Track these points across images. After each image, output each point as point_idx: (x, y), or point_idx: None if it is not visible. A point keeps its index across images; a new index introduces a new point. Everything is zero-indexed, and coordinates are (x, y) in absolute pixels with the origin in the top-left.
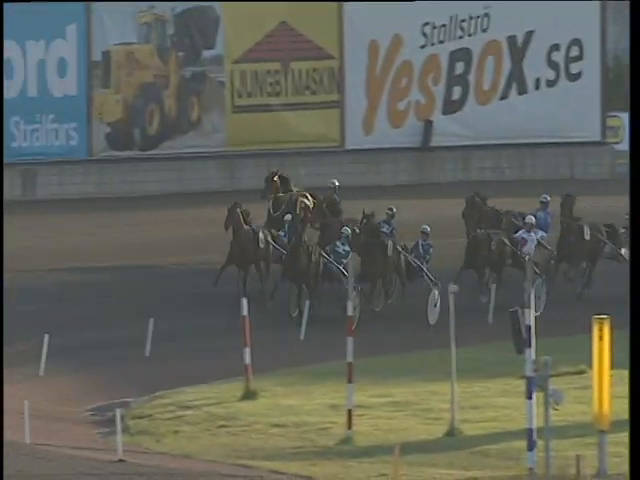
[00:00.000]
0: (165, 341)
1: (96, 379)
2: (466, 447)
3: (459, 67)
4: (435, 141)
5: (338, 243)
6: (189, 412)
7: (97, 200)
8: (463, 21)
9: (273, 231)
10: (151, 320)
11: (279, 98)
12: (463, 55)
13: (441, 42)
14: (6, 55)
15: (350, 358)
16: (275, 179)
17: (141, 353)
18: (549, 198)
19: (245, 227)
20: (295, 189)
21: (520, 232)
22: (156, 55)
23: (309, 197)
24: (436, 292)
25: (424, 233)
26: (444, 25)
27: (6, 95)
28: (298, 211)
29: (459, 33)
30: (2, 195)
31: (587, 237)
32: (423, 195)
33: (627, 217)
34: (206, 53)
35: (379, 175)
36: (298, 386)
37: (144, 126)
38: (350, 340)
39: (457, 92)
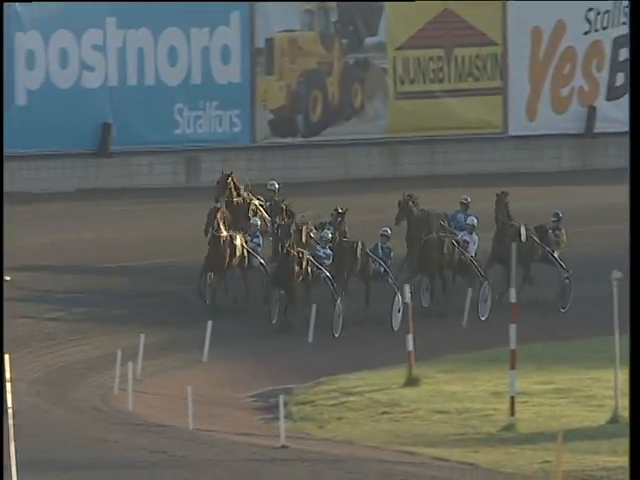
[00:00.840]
0: (327, 328)
1: (258, 365)
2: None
3: (622, 53)
4: (598, 127)
5: (319, 247)
6: (352, 398)
7: (260, 187)
8: (627, 7)
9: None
10: (313, 306)
11: (442, 85)
12: (627, 41)
13: (604, 28)
14: (172, 42)
15: (513, 345)
16: (228, 181)
17: (304, 339)
18: (469, 199)
19: (224, 233)
20: (246, 193)
21: (461, 234)
22: (319, 42)
23: (261, 200)
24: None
25: (384, 236)
26: (608, 11)
27: (170, 82)
28: (281, 217)
29: (623, 19)
30: (2, 190)
31: (523, 238)
32: (586, 182)
33: (554, 219)
34: (369, 40)
35: (542, 161)
36: (460, 373)
37: (307, 113)
38: (513, 327)
39: (621, 78)
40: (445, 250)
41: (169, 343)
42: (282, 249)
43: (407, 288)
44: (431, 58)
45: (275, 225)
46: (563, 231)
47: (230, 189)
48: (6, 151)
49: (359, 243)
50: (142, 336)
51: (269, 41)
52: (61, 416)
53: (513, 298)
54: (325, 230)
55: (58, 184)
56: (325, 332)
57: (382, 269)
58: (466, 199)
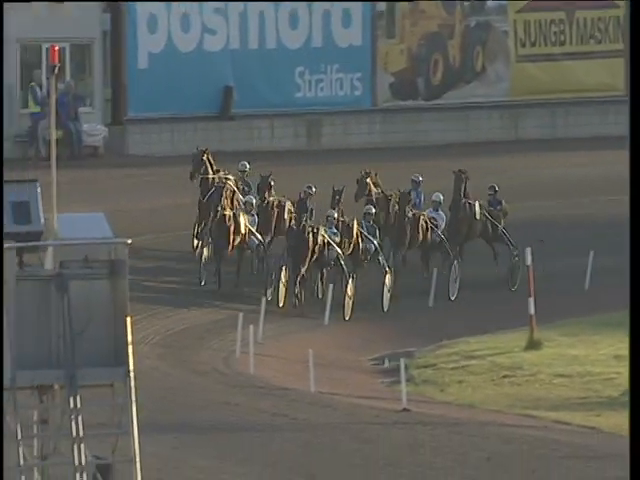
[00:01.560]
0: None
1: (379, 328)
2: None
3: None
4: None
5: (325, 229)
6: (473, 362)
7: (381, 150)
8: None
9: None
10: (434, 270)
11: (563, 47)
12: None
13: None
14: (293, 6)
15: None
16: (204, 158)
17: (425, 303)
18: (421, 178)
19: (228, 210)
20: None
21: (428, 211)
22: (441, 5)
23: (232, 179)
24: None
25: (368, 214)
26: None
27: (291, 45)
28: (269, 193)
29: None
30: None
31: (478, 217)
32: None
33: (490, 193)
34: (490, 3)
35: None
36: (583, 336)
37: (428, 76)
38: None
39: None
40: (421, 228)
41: (289, 306)
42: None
43: (528, 251)
44: (552, 21)
45: (265, 202)
46: (504, 204)
47: (205, 165)
48: (128, 114)
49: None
50: (263, 300)
51: (390, 4)
52: (182, 379)
53: None
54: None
55: (180, 147)
56: (440, 297)
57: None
58: (417, 177)
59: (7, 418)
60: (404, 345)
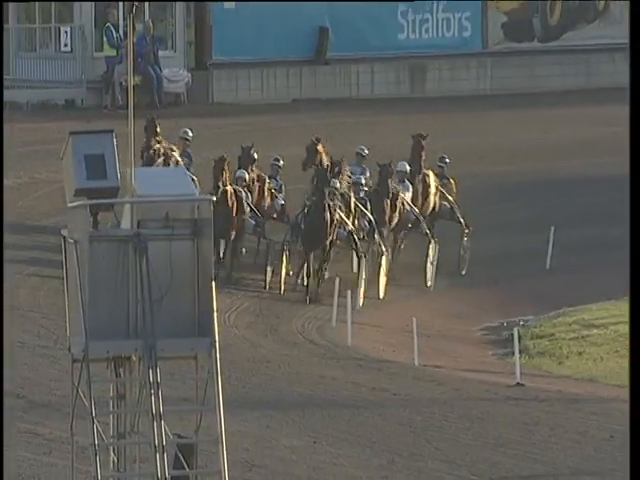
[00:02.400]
0: (566, 253)
1: (490, 294)
2: None
3: None
4: None
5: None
6: (595, 331)
7: (492, 97)
8: None
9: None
10: (551, 229)
11: None
12: None
13: None
14: None
15: None
16: (153, 124)
17: (541, 266)
18: (366, 151)
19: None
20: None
21: (394, 184)
22: None
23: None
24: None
25: (440, 163)
26: None
27: None
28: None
29: None
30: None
31: (433, 190)
32: None
33: (440, 164)
34: None
35: None
36: None
37: (545, 15)
38: None
39: None
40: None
41: (390, 272)
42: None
43: None
44: None
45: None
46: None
47: (155, 133)
48: (213, 58)
49: None
50: (363, 261)
51: None
52: (273, 350)
53: None
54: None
55: (270, 94)
56: (559, 258)
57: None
58: (362, 149)
59: (81, 393)
60: (518, 313)
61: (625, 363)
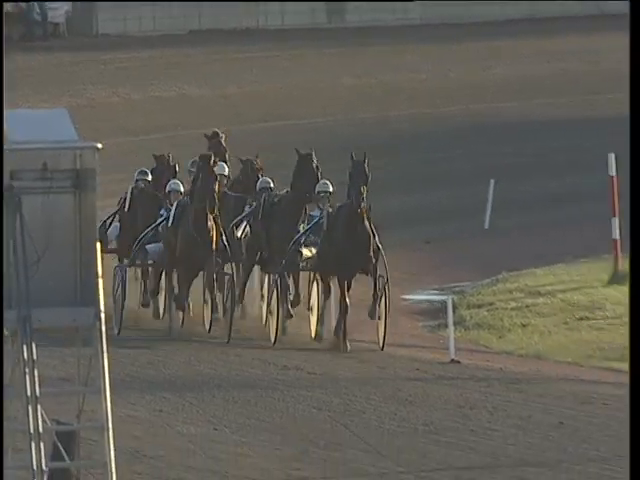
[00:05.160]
0: (508, 210)
1: (420, 257)
2: None
3: None
4: None
5: None
6: (540, 300)
7: (422, 28)
8: None
9: None
10: (491, 182)
11: None
12: None
13: None
14: None
15: None
16: None
17: (479, 224)
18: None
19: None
20: None
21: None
22: None
23: None
24: None
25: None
26: None
27: None
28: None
29: None
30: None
31: None
32: None
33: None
34: None
35: None
36: None
37: None
38: None
39: None
40: None
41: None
42: None
43: (612, 157)
44: None
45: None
46: None
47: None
48: None
49: None
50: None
51: None
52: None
53: None
54: None
55: (165, 24)
56: (500, 215)
57: None
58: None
59: None
60: (452, 279)
61: (575, 336)
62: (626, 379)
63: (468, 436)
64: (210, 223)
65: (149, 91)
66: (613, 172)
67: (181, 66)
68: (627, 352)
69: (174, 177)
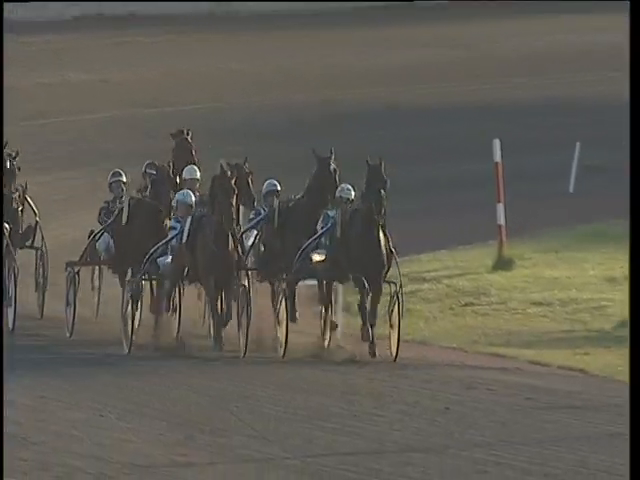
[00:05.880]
0: (392, 195)
1: None
2: None
3: None
4: None
5: None
6: (425, 286)
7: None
8: None
9: None
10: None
11: None
12: None
13: None
14: None
15: None
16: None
17: None
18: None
19: None
20: None
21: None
22: None
23: None
24: None
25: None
26: None
27: None
28: None
29: None
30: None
31: None
32: None
33: None
34: None
35: None
36: (565, 252)
37: None
38: None
39: None
40: None
41: None
42: None
43: (497, 143)
44: None
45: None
46: None
47: None
48: None
49: None
50: None
51: None
52: (53, 306)
53: None
54: None
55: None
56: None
57: None
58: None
59: None
60: None
61: (460, 322)
62: (511, 364)
63: (353, 422)
64: (231, 239)
65: (34, 77)
66: (498, 158)
67: (65, 52)
68: (512, 337)
69: (174, 188)
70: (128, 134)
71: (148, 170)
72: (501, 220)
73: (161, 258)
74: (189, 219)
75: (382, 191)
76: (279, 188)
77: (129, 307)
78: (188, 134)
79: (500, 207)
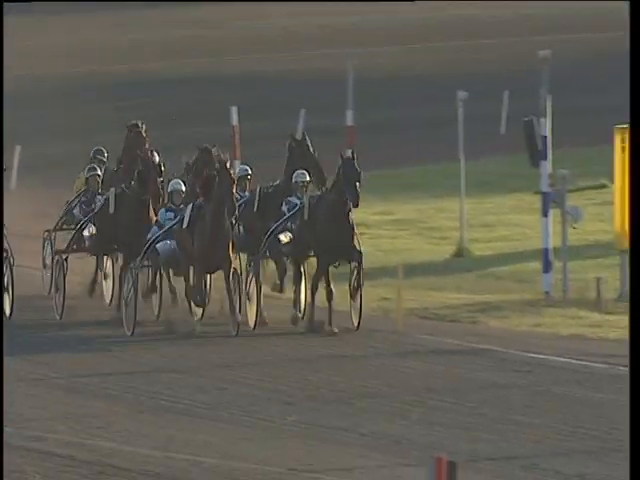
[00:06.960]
0: None
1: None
2: (476, 269)
3: None
4: None
5: None
6: None
7: None
8: None
9: None
10: None
11: None
12: None
13: None
14: None
15: None
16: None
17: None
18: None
19: None
20: None
21: None
22: None
23: None
24: None
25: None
26: None
27: None
28: None
29: None
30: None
31: None
32: None
33: None
34: None
35: None
36: None
37: None
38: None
39: None
40: None
41: None
42: None
43: (234, 110)
44: None
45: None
46: None
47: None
48: None
49: None
50: None
51: None
52: None
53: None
54: None
55: None
56: None
57: None
58: None
59: None
60: None
61: None
62: None
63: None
64: (227, 225)
65: None
66: (235, 122)
67: None
68: None
69: (160, 177)
70: None
71: (98, 156)
72: None
73: (160, 244)
74: (190, 206)
75: (357, 184)
76: (250, 172)
77: (131, 291)
78: (141, 127)
79: (237, 163)
